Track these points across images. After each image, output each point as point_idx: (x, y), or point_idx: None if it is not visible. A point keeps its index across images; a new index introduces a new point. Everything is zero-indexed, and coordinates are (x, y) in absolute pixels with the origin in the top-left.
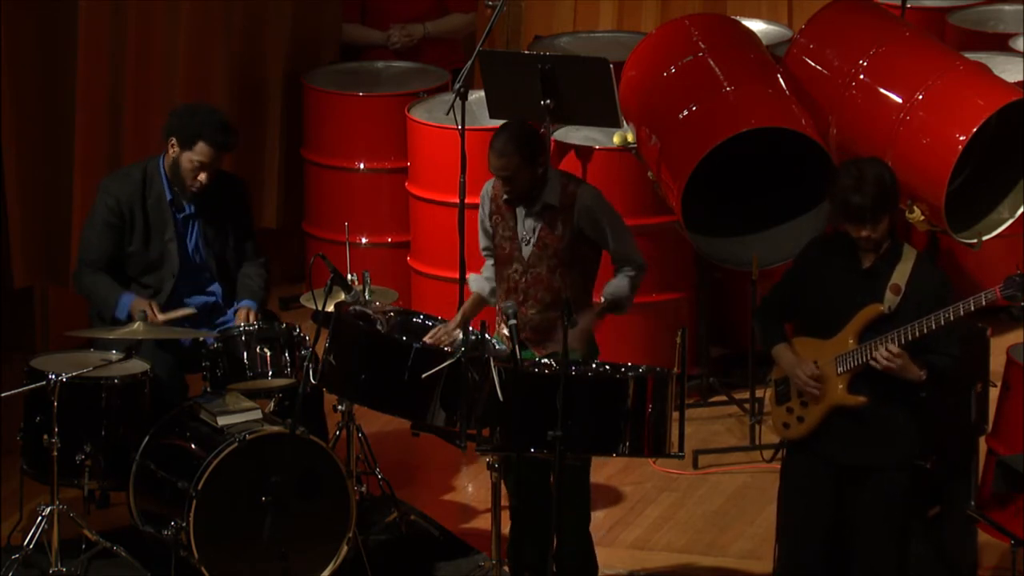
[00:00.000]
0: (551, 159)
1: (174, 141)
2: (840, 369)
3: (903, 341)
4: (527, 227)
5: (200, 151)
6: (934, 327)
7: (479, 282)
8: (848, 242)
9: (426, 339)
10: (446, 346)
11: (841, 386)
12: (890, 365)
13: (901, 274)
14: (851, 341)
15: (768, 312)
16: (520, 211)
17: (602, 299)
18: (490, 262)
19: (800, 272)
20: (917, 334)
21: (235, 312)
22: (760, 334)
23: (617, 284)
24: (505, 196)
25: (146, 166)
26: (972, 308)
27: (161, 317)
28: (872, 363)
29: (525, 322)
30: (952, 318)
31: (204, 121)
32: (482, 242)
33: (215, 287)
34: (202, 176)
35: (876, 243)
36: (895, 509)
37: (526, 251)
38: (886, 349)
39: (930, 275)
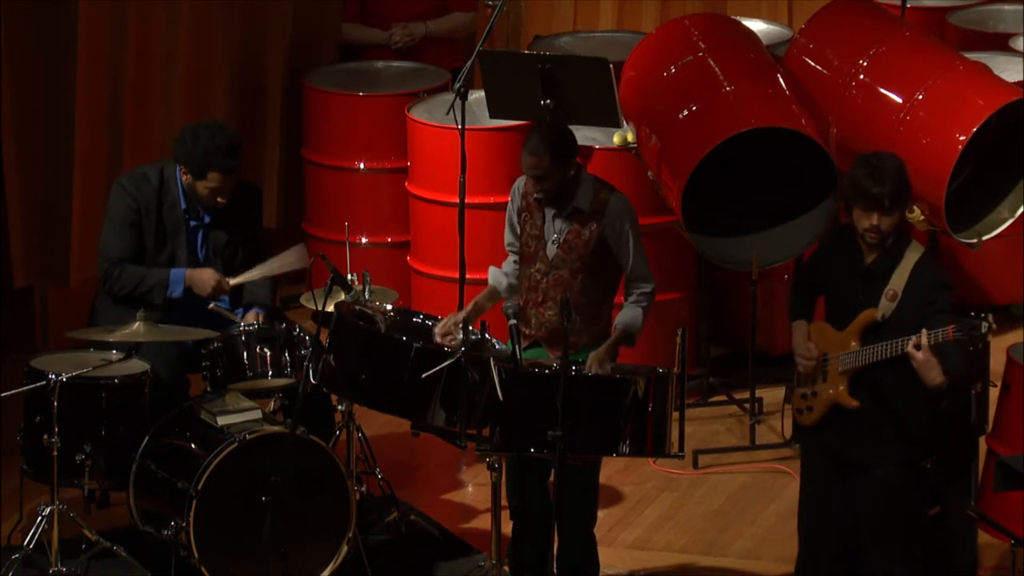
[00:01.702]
0: None
1: (184, 170)
2: (841, 368)
3: (883, 357)
4: (555, 228)
5: (213, 179)
6: (899, 350)
7: (496, 275)
8: (854, 236)
9: (436, 329)
10: (452, 340)
11: (842, 386)
12: (915, 357)
13: (900, 277)
14: (853, 343)
15: (796, 288)
16: (549, 211)
17: (614, 328)
18: (512, 258)
19: (816, 260)
20: (890, 355)
21: (243, 316)
22: (789, 306)
23: (631, 314)
24: (536, 196)
25: (162, 169)
26: (931, 342)
27: (233, 282)
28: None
29: (542, 323)
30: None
31: (211, 149)
32: (507, 237)
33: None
34: (221, 199)
35: (882, 236)
36: (893, 504)
37: (551, 251)
38: (913, 344)
39: (927, 278)
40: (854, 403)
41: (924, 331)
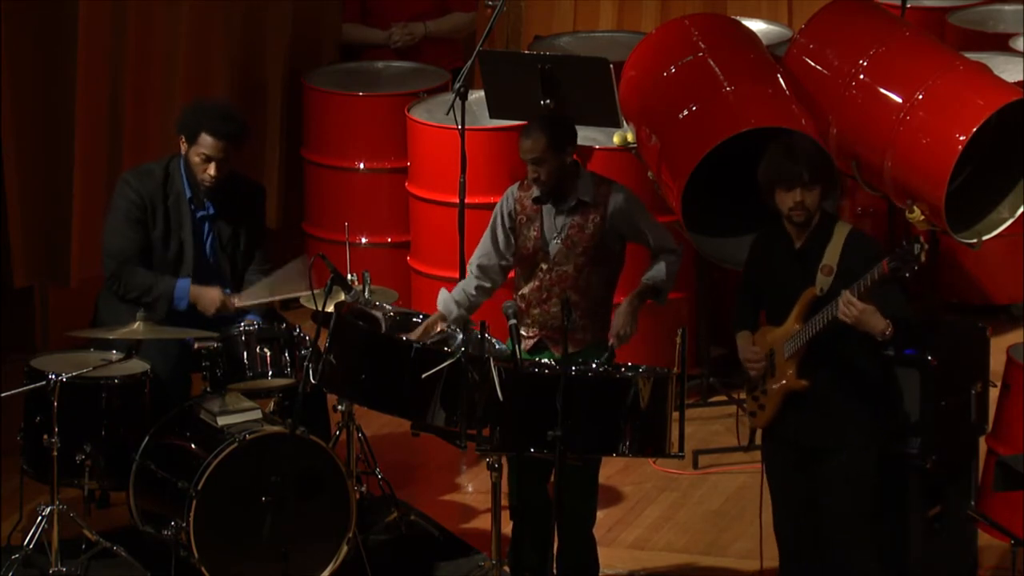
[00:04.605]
0: None
1: (182, 138)
2: (787, 353)
3: (821, 327)
4: (557, 225)
5: (204, 143)
6: (836, 314)
7: (446, 303)
8: (782, 227)
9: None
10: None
11: (791, 371)
12: (847, 315)
13: (832, 253)
14: (796, 326)
15: (740, 298)
16: (549, 210)
17: (642, 283)
18: (473, 281)
19: (752, 263)
20: (826, 322)
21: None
22: (734, 318)
23: (656, 269)
24: (535, 189)
25: (168, 164)
26: (869, 283)
27: (239, 303)
28: (842, 318)
29: (547, 320)
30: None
31: (205, 113)
32: (480, 250)
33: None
34: (211, 169)
35: (807, 214)
36: (856, 488)
37: (553, 248)
38: (844, 301)
39: (860, 249)
40: (803, 383)
41: (844, 292)
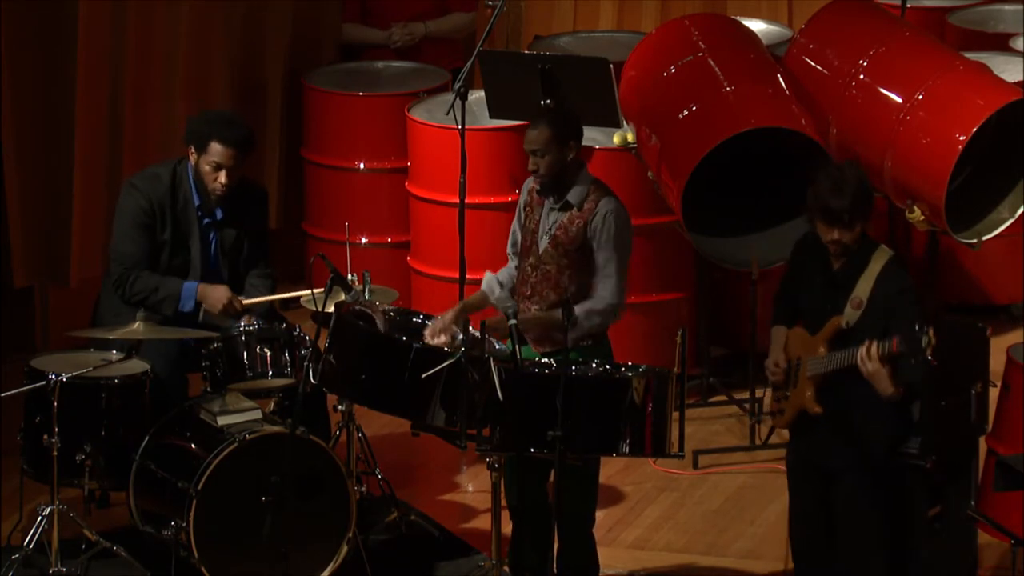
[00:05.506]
0: None
1: (192, 149)
2: (809, 373)
3: (842, 366)
4: (548, 221)
5: (215, 152)
6: (854, 360)
7: (490, 282)
8: (822, 243)
9: (426, 332)
10: (443, 340)
11: (809, 392)
12: (862, 367)
13: (865, 285)
14: (822, 349)
15: (778, 295)
16: (547, 205)
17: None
18: (513, 263)
19: (791, 267)
20: (848, 363)
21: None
22: (772, 312)
23: (543, 312)
24: (536, 180)
25: (175, 168)
26: (868, 356)
27: (245, 302)
28: (859, 366)
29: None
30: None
31: (213, 122)
32: (511, 239)
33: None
34: (222, 177)
35: (844, 249)
36: (860, 508)
37: (541, 245)
38: (863, 353)
39: (892, 286)
40: (817, 409)
41: (870, 341)
